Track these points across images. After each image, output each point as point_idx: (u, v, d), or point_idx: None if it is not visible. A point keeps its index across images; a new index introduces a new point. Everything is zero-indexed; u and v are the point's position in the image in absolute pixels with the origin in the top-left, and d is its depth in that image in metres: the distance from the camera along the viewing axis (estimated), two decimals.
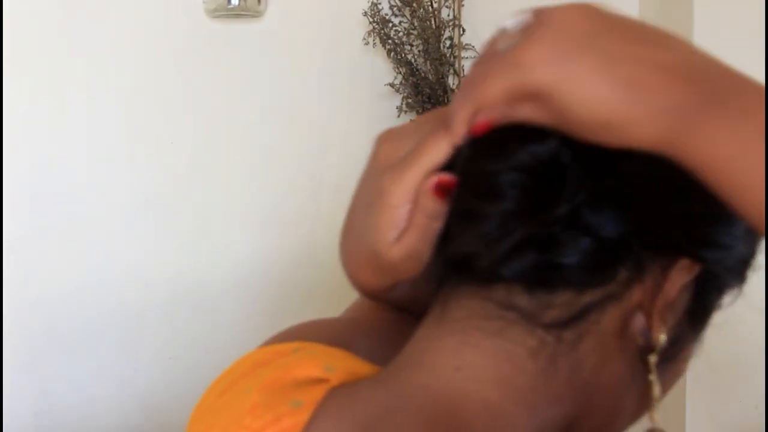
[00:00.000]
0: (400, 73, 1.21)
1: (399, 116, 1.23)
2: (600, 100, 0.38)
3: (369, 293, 0.54)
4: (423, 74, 1.20)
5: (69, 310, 1.20)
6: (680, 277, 0.43)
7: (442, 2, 1.23)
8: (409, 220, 0.45)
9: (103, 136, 1.20)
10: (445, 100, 1.21)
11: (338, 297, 1.30)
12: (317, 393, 0.44)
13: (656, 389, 0.43)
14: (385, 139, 0.52)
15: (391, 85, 1.22)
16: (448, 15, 1.23)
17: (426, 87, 1.19)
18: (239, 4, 1.18)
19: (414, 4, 1.20)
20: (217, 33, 1.22)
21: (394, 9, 1.22)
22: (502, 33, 0.43)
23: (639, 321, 0.43)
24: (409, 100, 1.21)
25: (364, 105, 1.25)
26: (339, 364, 0.47)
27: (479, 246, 0.42)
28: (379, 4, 1.20)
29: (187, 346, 1.24)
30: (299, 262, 1.26)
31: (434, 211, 0.44)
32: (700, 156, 0.36)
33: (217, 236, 1.25)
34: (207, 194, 1.24)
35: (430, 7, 1.21)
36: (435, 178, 0.44)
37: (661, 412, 0.51)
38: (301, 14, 1.24)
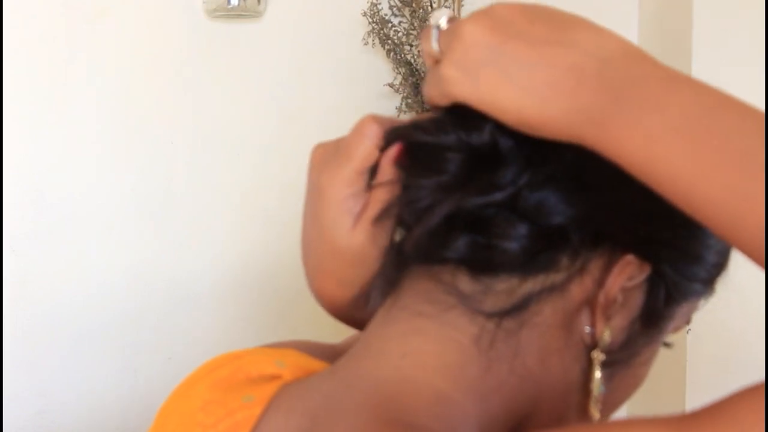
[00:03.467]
0: (400, 73, 1.21)
1: (399, 116, 1.23)
2: (512, 108, 0.40)
3: (337, 311, 0.55)
4: (423, 74, 1.20)
5: (69, 310, 1.20)
6: (624, 274, 0.42)
7: (442, 2, 1.23)
8: (360, 204, 0.47)
9: (102, 136, 1.20)
10: None
11: None
12: (270, 389, 0.45)
13: (596, 386, 0.43)
14: (315, 148, 0.56)
15: (391, 85, 1.22)
16: None
17: None
18: (239, 4, 1.18)
19: (414, 4, 1.20)
20: (217, 33, 1.22)
21: (394, 9, 1.22)
22: (432, 31, 0.45)
23: (585, 317, 0.43)
24: (409, 100, 1.22)
25: (363, 105, 1.26)
26: (290, 360, 0.48)
27: (411, 217, 0.44)
28: (379, 4, 1.20)
29: (187, 346, 1.24)
30: (299, 263, 1.26)
31: (392, 180, 0.46)
32: (614, 151, 0.37)
33: (216, 236, 1.25)
34: (206, 194, 1.24)
35: (429, 7, 1.21)
36: (398, 147, 0.47)
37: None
38: (301, 14, 1.24)
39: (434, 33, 0.44)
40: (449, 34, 0.43)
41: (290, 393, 0.45)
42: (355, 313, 0.52)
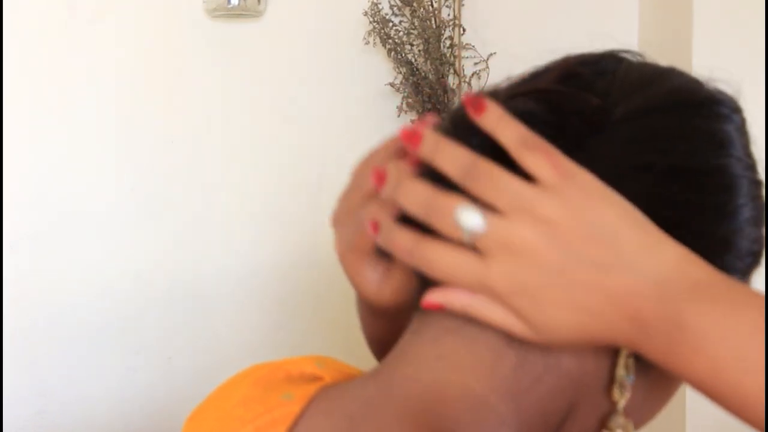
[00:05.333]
0: (401, 72, 1.21)
1: (399, 116, 1.23)
2: (573, 329, 0.40)
3: (368, 332, 0.58)
4: (423, 74, 1.20)
5: (69, 310, 1.20)
6: None
7: (442, 2, 1.23)
8: (385, 269, 0.49)
9: (102, 136, 1.20)
10: (445, 100, 1.21)
11: (338, 297, 1.31)
12: (310, 389, 0.45)
13: (619, 383, 0.43)
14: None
15: (391, 84, 1.22)
16: (448, 15, 1.23)
17: (426, 87, 1.19)
18: (239, 4, 1.18)
19: (414, 4, 1.20)
20: (217, 33, 1.22)
21: (395, 9, 1.22)
22: (464, 234, 0.41)
23: None
24: (409, 100, 1.21)
25: (364, 105, 1.25)
26: (330, 364, 0.48)
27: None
28: (379, 3, 1.20)
29: (187, 346, 1.24)
30: (299, 263, 1.26)
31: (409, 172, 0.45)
32: (674, 367, 0.39)
33: (216, 236, 1.24)
34: (206, 194, 1.24)
35: (430, 7, 1.21)
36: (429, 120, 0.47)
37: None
38: (301, 14, 1.24)
39: (466, 236, 0.41)
40: (494, 241, 0.40)
41: (329, 395, 0.45)
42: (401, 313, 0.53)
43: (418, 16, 1.20)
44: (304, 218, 1.26)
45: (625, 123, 0.43)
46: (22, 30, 1.17)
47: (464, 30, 1.24)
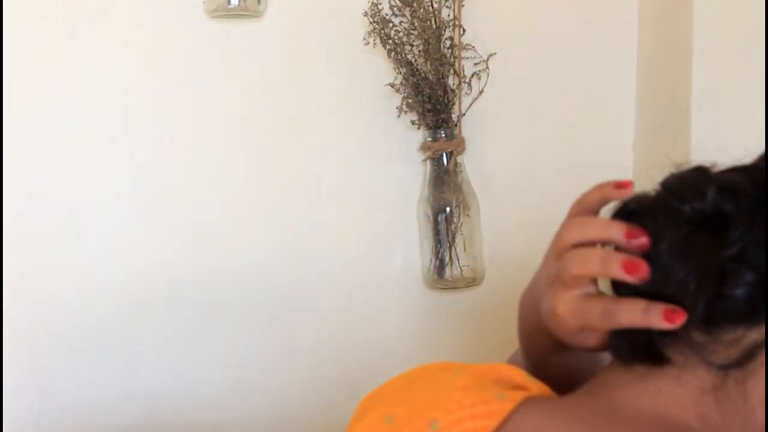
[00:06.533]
0: (400, 73, 1.21)
1: (399, 116, 1.23)
2: None
3: (535, 353, 0.60)
4: (423, 74, 1.20)
5: (69, 310, 1.20)
6: None
7: (443, 2, 1.23)
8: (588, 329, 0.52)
9: (102, 136, 1.20)
10: (445, 101, 1.21)
11: (338, 297, 1.31)
12: (519, 395, 0.50)
13: None
14: (571, 226, 0.57)
15: (391, 85, 1.22)
16: (448, 15, 1.23)
17: (426, 87, 1.19)
18: (239, 4, 1.18)
19: (414, 4, 1.20)
20: (217, 33, 1.22)
21: (395, 9, 1.22)
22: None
23: None
24: (410, 100, 1.21)
25: (364, 105, 1.25)
26: (536, 381, 0.53)
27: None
28: (379, 4, 1.20)
29: (187, 346, 1.24)
30: (299, 263, 1.26)
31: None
32: None
33: (216, 236, 1.24)
34: (206, 194, 1.24)
35: (430, 7, 1.21)
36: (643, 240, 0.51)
37: None
38: (301, 14, 1.24)
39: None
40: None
41: (539, 404, 0.51)
42: (554, 359, 0.59)
43: (418, 17, 1.20)
44: (304, 218, 1.26)
45: None
46: (22, 30, 1.17)
47: (464, 30, 1.24)
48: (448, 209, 1.23)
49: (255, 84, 1.24)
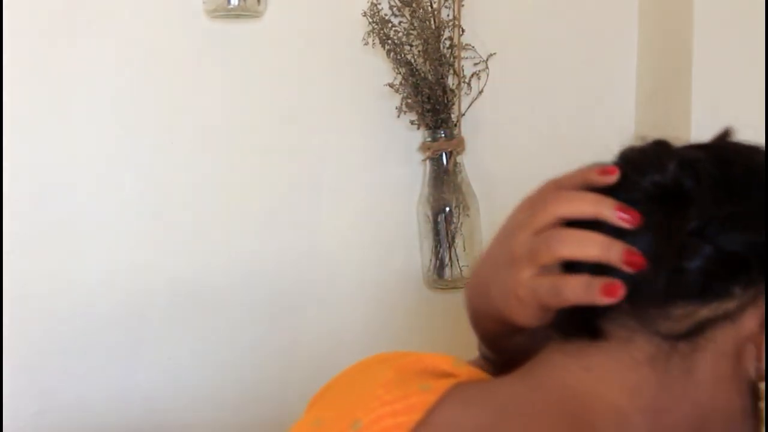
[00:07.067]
0: (400, 73, 1.21)
1: (399, 116, 1.23)
2: None
3: (486, 338, 0.58)
4: (423, 74, 1.20)
5: (69, 310, 1.20)
6: None
7: (442, 2, 1.23)
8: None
9: (102, 136, 1.20)
10: (445, 101, 1.21)
11: (338, 297, 1.31)
12: (445, 383, 0.49)
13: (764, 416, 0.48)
14: (522, 205, 0.55)
15: (391, 85, 1.22)
16: (448, 15, 1.23)
17: (426, 87, 1.19)
18: (239, 4, 1.18)
19: (414, 5, 1.20)
20: (217, 33, 1.22)
21: (394, 9, 1.22)
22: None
23: (750, 351, 0.46)
24: (409, 100, 1.21)
25: (363, 105, 1.25)
26: (465, 366, 0.52)
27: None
28: (379, 4, 1.20)
29: (187, 346, 1.24)
30: (299, 263, 1.26)
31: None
32: None
33: (216, 236, 1.24)
34: (206, 194, 1.24)
35: (429, 8, 1.21)
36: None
37: None
38: (301, 14, 1.24)
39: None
40: None
41: (466, 390, 0.49)
42: (506, 343, 0.56)
43: (418, 17, 1.20)
44: (303, 218, 1.26)
45: None
46: (22, 30, 1.16)
47: (464, 30, 1.24)
48: (447, 209, 1.23)
49: (255, 84, 1.24)
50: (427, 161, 1.24)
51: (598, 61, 1.28)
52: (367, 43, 1.20)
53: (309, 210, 1.26)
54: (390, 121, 1.24)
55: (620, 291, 0.45)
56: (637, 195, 0.47)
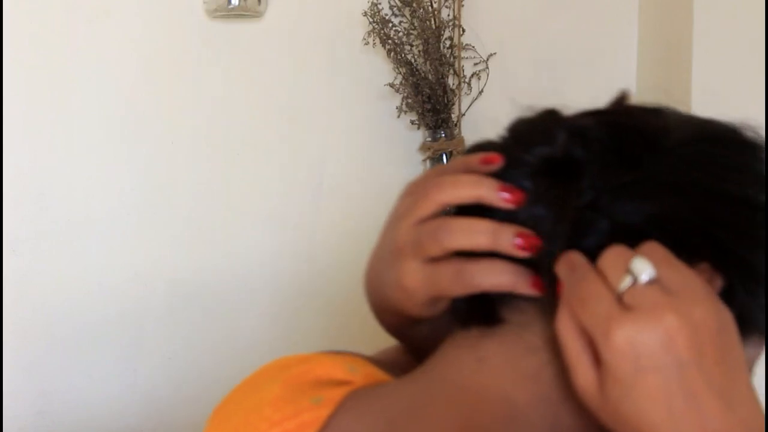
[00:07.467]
0: (400, 73, 1.21)
1: (399, 116, 1.23)
2: (633, 414, 0.38)
3: (390, 330, 0.55)
4: (423, 74, 1.20)
5: (69, 310, 1.20)
6: None
7: (442, 2, 1.23)
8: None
9: (103, 137, 1.20)
10: (445, 101, 1.21)
11: (338, 298, 1.31)
12: (339, 392, 0.45)
13: None
14: (404, 193, 0.51)
15: (391, 85, 1.22)
16: (448, 15, 1.23)
17: (426, 87, 1.19)
18: (239, 4, 1.18)
19: (414, 4, 1.20)
20: (217, 33, 1.22)
21: (394, 9, 1.22)
22: (626, 279, 0.40)
23: None
24: (409, 100, 1.21)
25: (364, 105, 1.25)
26: (361, 369, 0.48)
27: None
28: (379, 4, 1.20)
29: (187, 346, 1.24)
30: (299, 263, 1.26)
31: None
32: None
33: (216, 237, 1.24)
34: (206, 195, 1.24)
35: (430, 7, 1.21)
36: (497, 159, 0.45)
37: None
38: (301, 14, 1.24)
39: (627, 282, 0.39)
40: (647, 301, 0.39)
41: (361, 398, 0.45)
42: (412, 332, 0.52)
43: (418, 17, 1.20)
44: (304, 218, 1.26)
45: (682, 146, 0.44)
46: (22, 30, 1.17)
47: (464, 30, 1.24)
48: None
49: (255, 84, 1.24)
50: (428, 161, 1.24)
51: (598, 61, 1.28)
52: (367, 43, 1.20)
53: (309, 209, 1.26)
54: (390, 121, 1.24)
55: (539, 281, 0.42)
56: (526, 170, 0.43)
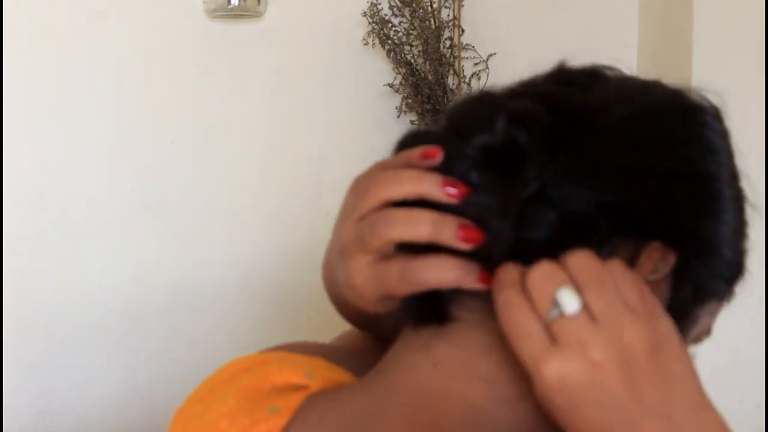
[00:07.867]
0: (400, 73, 1.21)
1: (399, 116, 1.23)
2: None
3: (356, 325, 0.54)
4: (423, 74, 1.20)
5: (69, 310, 1.20)
6: (651, 261, 0.42)
7: (442, 2, 1.23)
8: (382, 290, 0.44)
9: (102, 137, 1.20)
10: (445, 101, 1.21)
11: None
12: (296, 399, 0.44)
13: None
14: (350, 190, 0.48)
15: (391, 85, 1.22)
16: (448, 15, 1.23)
17: (425, 87, 1.19)
18: (239, 4, 1.18)
19: (414, 5, 1.20)
20: (217, 33, 1.22)
21: (394, 9, 1.22)
22: (552, 312, 0.40)
23: None
24: (409, 101, 1.22)
25: (363, 105, 1.25)
26: (318, 372, 0.47)
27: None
28: (379, 4, 1.20)
29: (187, 346, 1.24)
30: (299, 263, 1.26)
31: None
32: None
33: (216, 237, 1.25)
34: (206, 195, 1.24)
35: (429, 8, 1.21)
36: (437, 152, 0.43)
37: None
38: (301, 14, 1.24)
39: (554, 313, 0.39)
40: (572, 334, 0.38)
41: (318, 404, 0.44)
42: (374, 323, 0.51)
43: (418, 17, 1.20)
44: (304, 218, 1.26)
45: (623, 123, 0.43)
46: (22, 30, 1.17)
47: (464, 30, 1.24)
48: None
49: (255, 84, 1.24)
50: None
51: (598, 61, 1.28)
52: (367, 43, 1.21)
53: (309, 210, 1.26)
54: (390, 121, 1.24)
55: (485, 277, 0.41)
56: (467, 163, 0.41)
